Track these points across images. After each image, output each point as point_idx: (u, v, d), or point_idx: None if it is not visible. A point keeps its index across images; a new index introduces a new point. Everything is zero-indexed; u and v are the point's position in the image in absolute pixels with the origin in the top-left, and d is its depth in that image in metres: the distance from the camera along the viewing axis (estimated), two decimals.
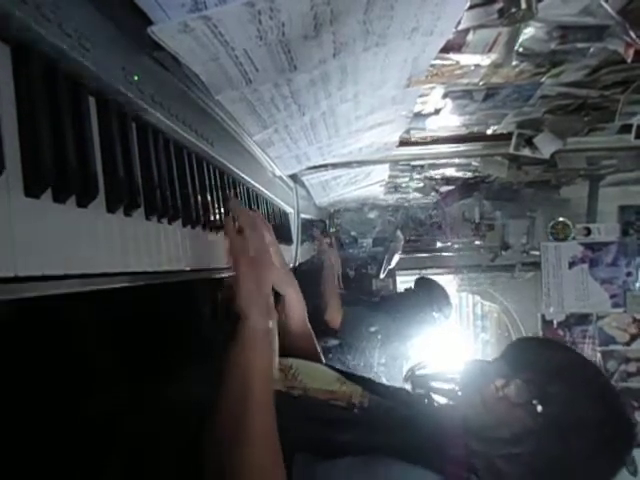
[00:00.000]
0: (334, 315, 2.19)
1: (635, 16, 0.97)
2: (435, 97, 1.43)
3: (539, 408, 0.74)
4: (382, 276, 3.53)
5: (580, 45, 1.08)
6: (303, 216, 2.01)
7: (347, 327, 2.20)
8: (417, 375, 0.93)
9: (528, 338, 1.05)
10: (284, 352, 1.08)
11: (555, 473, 0.73)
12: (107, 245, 0.52)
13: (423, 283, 2.58)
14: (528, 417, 0.75)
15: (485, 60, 1.12)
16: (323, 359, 1.13)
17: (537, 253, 3.07)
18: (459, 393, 0.88)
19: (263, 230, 0.84)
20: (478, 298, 4.41)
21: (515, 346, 0.90)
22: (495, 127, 1.80)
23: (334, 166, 1.89)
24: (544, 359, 0.82)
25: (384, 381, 2.36)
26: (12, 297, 0.40)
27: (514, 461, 0.72)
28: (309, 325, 1.12)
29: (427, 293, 2.44)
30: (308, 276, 2.30)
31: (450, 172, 2.61)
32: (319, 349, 1.13)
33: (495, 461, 0.72)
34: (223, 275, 0.88)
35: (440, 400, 0.89)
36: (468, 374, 0.89)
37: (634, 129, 1.73)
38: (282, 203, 1.56)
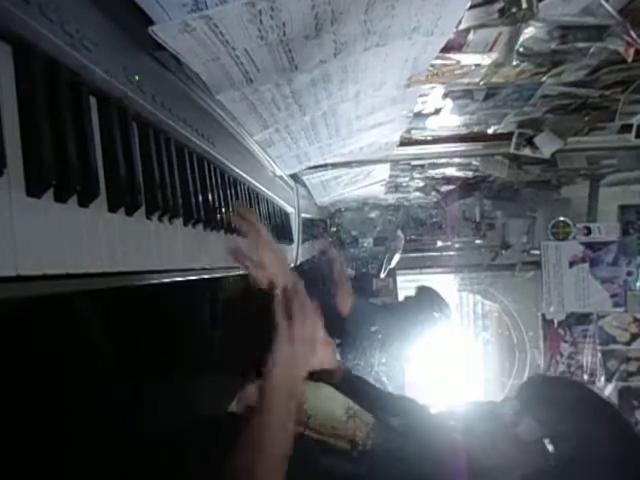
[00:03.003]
0: (345, 301, 2.22)
1: (635, 16, 0.97)
2: (435, 97, 1.43)
3: (550, 447, 0.71)
4: (383, 276, 3.52)
5: (580, 45, 1.08)
6: (304, 216, 2.01)
7: (355, 315, 2.22)
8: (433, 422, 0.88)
9: (541, 376, 1.01)
10: None
11: None
12: (108, 244, 0.52)
13: (424, 290, 2.59)
14: (539, 456, 0.71)
15: (486, 60, 1.12)
16: (337, 356, 1.06)
17: (537, 252, 3.08)
18: (467, 435, 0.81)
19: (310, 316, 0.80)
20: (479, 297, 4.41)
21: (527, 385, 0.86)
22: (495, 127, 1.80)
23: (335, 166, 1.89)
24: (556, 397, 0.79)
25: (384, 380, 2.37)
26: (13, 296, 0.40)
27: None
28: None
29: (427, 298, 2.45)
30: (309, 275, 2.31)
31: (450, 172, 2.61)
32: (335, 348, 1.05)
33: None
34: (223, 275, 0.88)
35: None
36: (478, 419, 0.84)
37: (634, 128, 1.73)
38: (283, 203, 1.57)
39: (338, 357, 1.07)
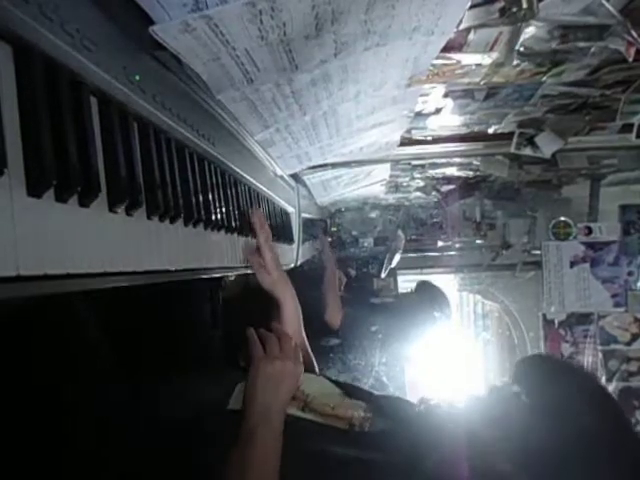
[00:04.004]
0: (334, 315, 2.20)
1: (636, 15, 0.97)
2: (436, 96, 1.43)
3: (524, 397, 0.75)
4: (383, 275, 3.53)
5: (581, 44, 1.08)
6: (304, 215, 2.01)
7: (347, 328, 2.21)
8: (429, 405, 0.90)
9: (534, 355, 1.03)
10: None
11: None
12: (108, 244, 0.52)
13: (424, 286, 2.58)
14: (518, 409, 0.75)
15: (486, 59, 1.12)
16: (317, 368, 1.12)
17: (538, 252, 3.07)
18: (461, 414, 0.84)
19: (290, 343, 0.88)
20: (479, 297, 4.41)
21: (520, 362, 0.89)
22: (496, 126, 1.80)
23: (335, 165, 1.89)
24: (545, 371, 0.83)
25: (384, 380, 2.38)
26: (14, 296, 0.40)
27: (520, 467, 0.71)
28: (304, 332, 1.11)
29: (428, 295, 2.44)
30: (310, 275, 2.31)
31: (451, 171, 2.61)
32: (314, 359, 1.12)
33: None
34: (223, 275, 0.88)
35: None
36: (472, 400, 0.86)
37: (635, 128, 1.73)
38: (283, 202, 1.57)
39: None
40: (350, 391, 0.91)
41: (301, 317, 1.10)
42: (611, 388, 2.92)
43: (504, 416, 0.77)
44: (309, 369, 1.05)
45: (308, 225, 2.20)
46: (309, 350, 1.12)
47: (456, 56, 1.10)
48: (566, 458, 0.70)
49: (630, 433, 0.74)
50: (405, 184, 2.85)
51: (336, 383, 0.94)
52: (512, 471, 0.70)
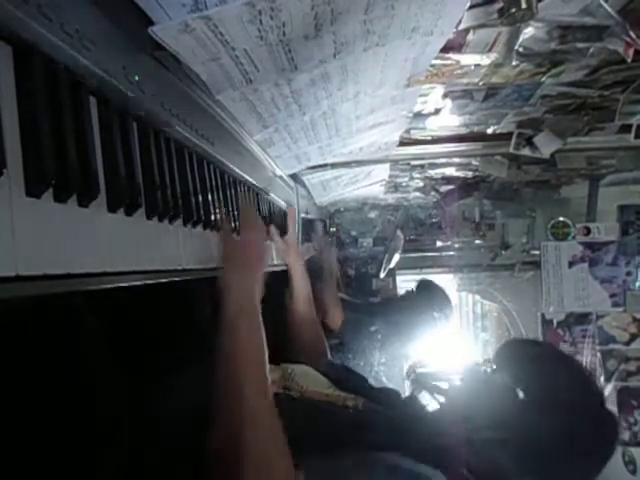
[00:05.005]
0: (335, 318, 2.20)
1: (635, 16, 0.97)
2: (435, 97, 1.43)
3: (520, 394, 0.79)
4: (382, 275, 3.52)
5: (580, 45, 1.08)
6: (304, 216, 2.01)
7: (346, 328, 2.21)
8: (418, 373, 0.97)
9: (515, 339, 1.09)
10: (290, 334, 1.17)
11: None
12: (108, 245, 0.52)
13: (424, 285, 2.58)
14: (510, 402, 0.79)
15: (485, 60, 1.12)
16: (327, 345, 1.19)
17: (537, 252, 3.07)
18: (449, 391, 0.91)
19: (258, 228, 0.91)
20: (478, 297, 4.41)
21: (502, 346, 0.94)
22: (495, 127, 1.80)
23: (334, 166, 1.89)
24: (524, 353, 0.88)
25: (384, 380, 2.38)
26: (13, 296, 0.40)
27: (509, 451, 0.74)
28: (313, 306, 1.22)
29: (428, 294, 2.44)
30: (310, 275, 2.30)
31: (450, 172, 2.61)
32: (323, 335, 1.19)
33: (493, 455, 0.74)
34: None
35: (439, 399, 0.91)
36: (460, 378, 0.92)
37: (634, 129, 1.73)
38: (283, 202, 1.57)
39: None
40: (341, 386, 0.96)
41: (310, 288, 1.25)
42: (610, 388, 2.92)
43: (480, 391, 0.84)
44: (320, 346, 1.14)
45: (307, 225, 2.19)
46: (319, 325, 1.21)
47: (455, 56, 1.10)
48: (538, 428, 0.75)
49: (601, 405, 0.80)
50: (404, 184, 2.85)
51: (327, 377, 0.99)
52: (488, 438, 0.75)
